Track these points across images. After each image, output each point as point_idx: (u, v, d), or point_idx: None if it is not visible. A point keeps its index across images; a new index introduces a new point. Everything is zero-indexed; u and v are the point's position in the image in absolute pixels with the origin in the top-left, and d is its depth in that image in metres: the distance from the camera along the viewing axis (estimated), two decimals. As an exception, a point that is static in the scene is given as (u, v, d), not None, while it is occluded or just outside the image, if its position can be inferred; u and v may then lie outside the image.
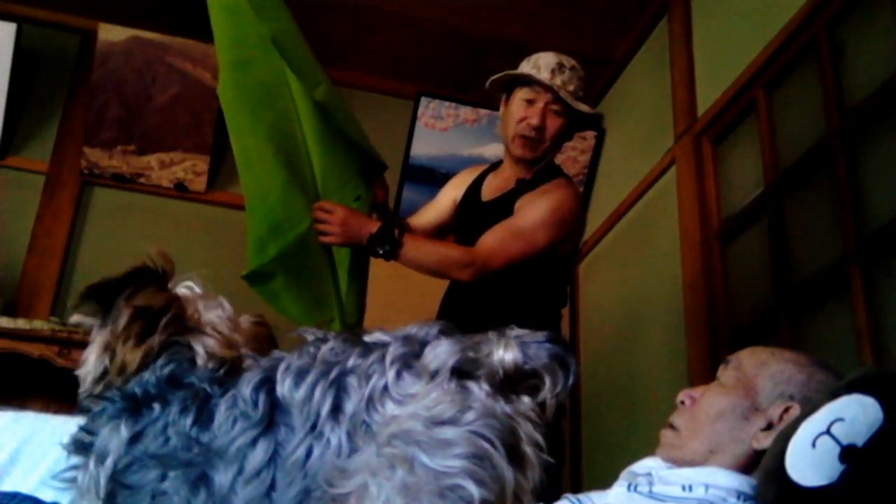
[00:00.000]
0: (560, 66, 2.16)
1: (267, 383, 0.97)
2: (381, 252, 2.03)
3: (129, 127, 3.46)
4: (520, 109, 2.19)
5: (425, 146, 3.68)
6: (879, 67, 2.13)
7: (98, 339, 1.08)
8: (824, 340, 2.19)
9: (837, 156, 2.21)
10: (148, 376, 1.03)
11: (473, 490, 0.82)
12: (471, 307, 2.13)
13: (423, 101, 3.63)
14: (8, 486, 1.33)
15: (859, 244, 2.09)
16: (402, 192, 3.68)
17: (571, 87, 2.16)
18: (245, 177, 1.97)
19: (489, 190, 2.31)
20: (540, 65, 2.17)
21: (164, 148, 3.50)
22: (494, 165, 2.39)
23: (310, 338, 1.01)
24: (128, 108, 3.45)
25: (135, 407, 1.01)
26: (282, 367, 0.98)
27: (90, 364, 1.07)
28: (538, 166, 2.24)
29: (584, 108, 2.19)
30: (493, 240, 2.09)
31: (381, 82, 3.85)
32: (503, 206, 2.19)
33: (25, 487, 1.33)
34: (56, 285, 3.29)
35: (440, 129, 3.68)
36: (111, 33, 3.39)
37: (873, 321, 2.01)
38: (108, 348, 1.07)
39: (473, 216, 2.28)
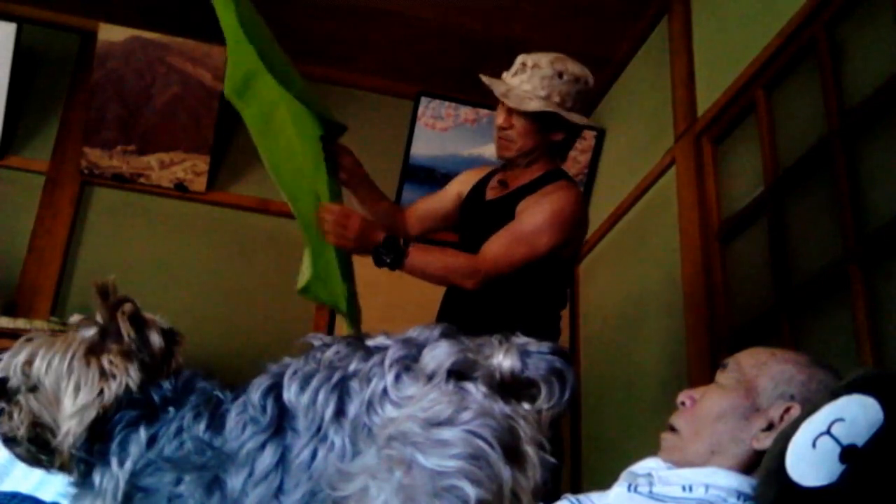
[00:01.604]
0: (523, 66, 2.16)
1: (275, 389, 1.00)
2: (387, 261, 2.03)
3: (129, 127, 3.46)
4: (497, 110, 2.23)
5: (425, 146, 3.68)
6: (879, 67, 2.13)
7: (121, 362, 1.08)
8: (824, 340, 2.19)
9: (837, 156, 2.21)
10: (165, 384, 1.06)
11: (469, 490, 0.83)
12: (470, 309, 2.14)
13: (423, 101, 3.63)
14: (8, 486, 1.34)
15: (859, 244, 2.09)
16: (402, 191, 3.68)
17: (527, 87, 2.13)
18: (289, 195, 2.05)
19: (493, 191, 2.32)
20: (514, 63, 2.20)
21: (164, 148, 3.49)
22: (502, 167, 2.39)
23: (316, 343, 1.03)
24: (128, 108, 3.44)
25: (151, 412, 1.03)
26: (289, 372, 1.00)
27: (118, 380, 1.06)
28: (531, 166, 2.23)
29: (532, 106, 2.13)
30: (497, 246, 2.09)
31: (381, 82, 3.85)
32: (505, 208, 2.19)
33: (25, 487, 1.34)
34: (56, 285, 3.29)
35: (440, 129, 3.69)
36: (111, 33, 3.39)
37: (873, 321, 2.01)
38: (142, 365, 1.08)
39: (476, 215, 2.29)
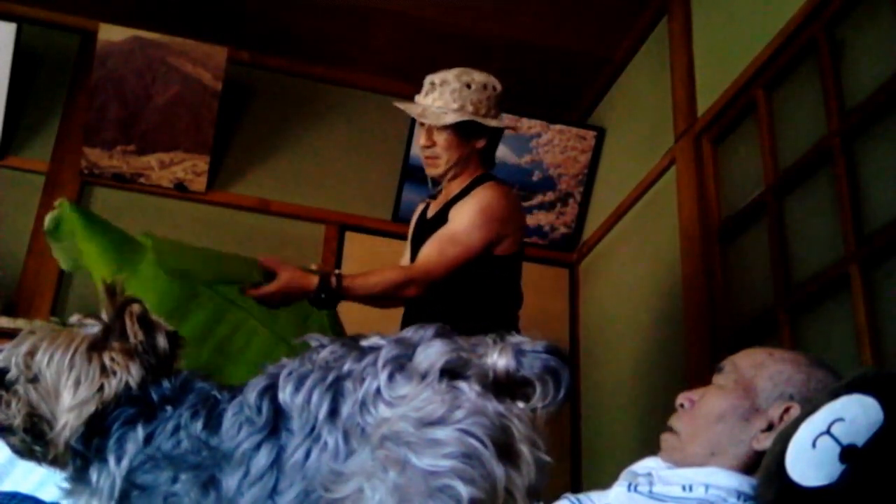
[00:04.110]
0: (432, 85, 2.27)
1: (271, 389, 1.00)
2: (323, 298, 2.00)
3: (129, 127, 3.45)
4: (418, 132, 2.34)
5: (425, 146, 3.67)
6: (879, 67, 2.13)
7: (123, 360, 1.08)
8: (824, 340, 2.19)
9: (837, 156, 2.21)
10: (164, 382, 1.07)
11: (462, 489, 0.83)
12: (425, 315, 2.15)
13: (424, 101, 3.63)
14: (8, 486, 1.34)
15: (859, 244, 2.09)
16: (402, 191, 3.68)
17: (440, 103, 2.24)
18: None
19: (432, 209, 2.41)
20: (423, 84, 2.30)
21: (164, 148, 3.49)
22: (439, 192, 2.47)
23: (312, 343, 1.03)
24: (128, 108, 3.44)
25: (150, 410, 1.04)
26: (284, 373, 1.00)
27: (124, 376, 1.07)
28: (460, 176, 2.29)
29: (449, 119, 2.22)
30: (431, 251, 2.15)
31: (381, 82, 3.85)
32: (442, 219, 2.26)
33: (25, 487, 1.34)
34: (56, 285, 3.28)
35: (440, 129, 3.68)
36: (111, 33, 3.39)
37: (873, 321, 2.00)
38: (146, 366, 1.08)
39: (422, 235, 2.35)
